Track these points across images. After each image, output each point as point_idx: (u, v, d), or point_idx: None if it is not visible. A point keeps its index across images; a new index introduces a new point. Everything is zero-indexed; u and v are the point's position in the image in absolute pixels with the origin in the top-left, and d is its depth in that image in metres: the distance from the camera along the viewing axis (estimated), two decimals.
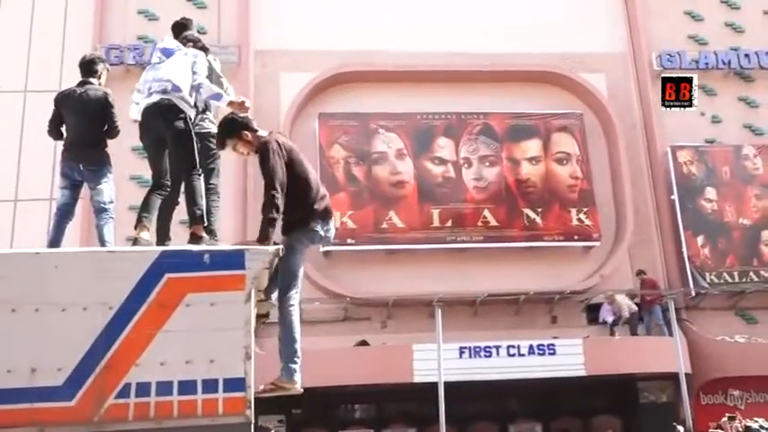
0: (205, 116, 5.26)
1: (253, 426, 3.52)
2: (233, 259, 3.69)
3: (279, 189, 4.36)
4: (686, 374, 13.47)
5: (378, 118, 16.15)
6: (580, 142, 16.47)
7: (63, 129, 5.56)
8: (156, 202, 4.93)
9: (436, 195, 15.85)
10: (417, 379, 13.13)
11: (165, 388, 3.41)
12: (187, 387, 3.43)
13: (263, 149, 4.49)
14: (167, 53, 5.09)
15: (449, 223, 15.65)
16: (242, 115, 4.77)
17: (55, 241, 5.16)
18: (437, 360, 12.37)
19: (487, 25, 16.97)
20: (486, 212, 15.83)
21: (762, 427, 5.36)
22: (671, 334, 14.03)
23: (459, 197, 15.90)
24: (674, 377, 13.59)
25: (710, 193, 16.30)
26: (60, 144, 5.61)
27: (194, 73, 4.95)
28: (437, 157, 16.12)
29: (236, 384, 3.46)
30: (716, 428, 8.27)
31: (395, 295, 14.78)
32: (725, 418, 8.49)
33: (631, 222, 16.08)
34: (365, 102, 16.24)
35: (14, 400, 3.29)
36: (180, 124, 4.91)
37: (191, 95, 4.95)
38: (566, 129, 16.60)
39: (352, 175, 15.80)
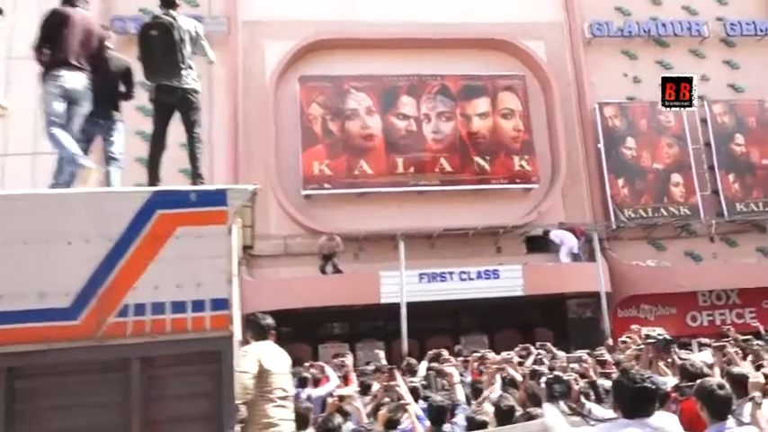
0: (189, 74, 5.02)
1: (235, 339, 3.48)
2: (216, 197, 3.56)
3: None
4: (606, 293, 13.73)
5: (350, 80, 15.81)
6: (522, 100, 16.34)
7: None
8: None
9: (400, 146, 15.70)
10: (384, 300, 13.17)
11: (158, 308, 3.34)
12: (178, 307, 3.36)
13: None
14: None
15: (411, 170, 15.56)
16: None
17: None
18: (400, 284, 12.41)
19: None
20: (443, 160, 15.75)
21: (659, 334, 5.55)
22: (590, 260, 14.24)
23: (419, 147, 15.76)
24: (596, 296, 13.82)
25: (630, 142, 16.36)
26: None
27: None
28: (401, 113, 15.88)
29: (221, 304, 3.40)
30: (623, 341, 8.39)
31: (365, 231, 14.79)
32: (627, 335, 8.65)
33: (564, 167, 16.16)
34: (339, 66, 15.84)
35: (25, 320, 3.22)
36: None
37: None
38: (510, 88, 16.43)
39: (328, 129, 15.54)
